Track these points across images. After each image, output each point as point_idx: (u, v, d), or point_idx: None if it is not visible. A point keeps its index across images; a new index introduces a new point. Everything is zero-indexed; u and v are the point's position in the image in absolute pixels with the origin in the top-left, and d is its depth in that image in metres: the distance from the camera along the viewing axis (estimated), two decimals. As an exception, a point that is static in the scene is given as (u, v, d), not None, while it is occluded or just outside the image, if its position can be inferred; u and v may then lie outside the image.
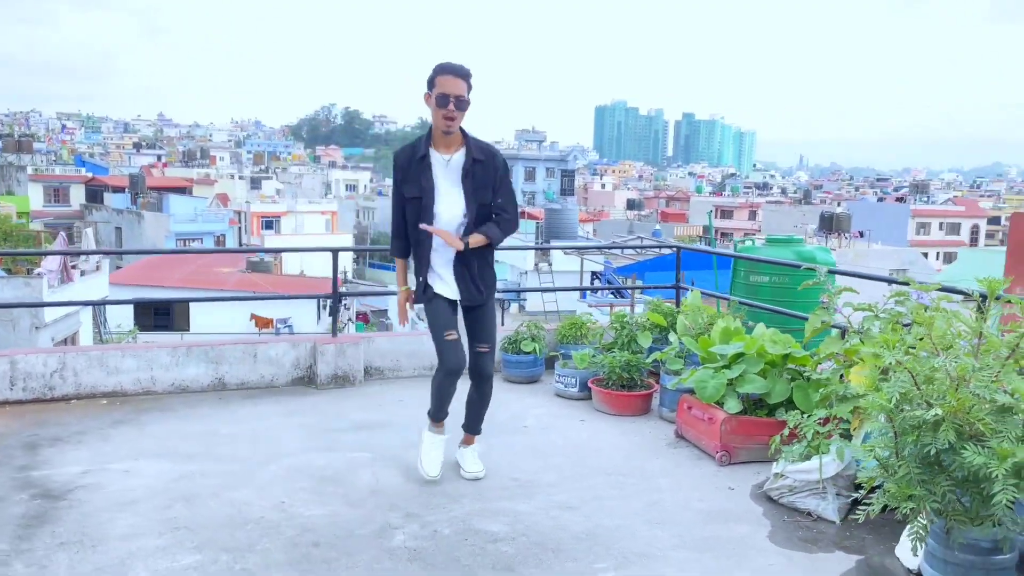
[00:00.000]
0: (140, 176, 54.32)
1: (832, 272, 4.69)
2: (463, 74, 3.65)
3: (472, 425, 4.07)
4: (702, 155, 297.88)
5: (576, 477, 4.03)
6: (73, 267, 21.28)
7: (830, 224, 38.53)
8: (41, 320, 19.09)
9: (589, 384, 5.20)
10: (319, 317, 31.05)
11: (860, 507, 2.96)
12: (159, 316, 29.66)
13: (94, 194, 53.05)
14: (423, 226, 3.73)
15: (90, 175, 56.96)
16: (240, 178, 70.18)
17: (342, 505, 3.61)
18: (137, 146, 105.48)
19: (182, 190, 56.77)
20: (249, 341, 5.43)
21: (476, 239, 3.76)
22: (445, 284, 3.83)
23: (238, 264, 33.55)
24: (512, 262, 32.71)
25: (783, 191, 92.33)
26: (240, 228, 55.02)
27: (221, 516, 3.46)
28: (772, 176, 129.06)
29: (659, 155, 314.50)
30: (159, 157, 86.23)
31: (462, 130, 3.75)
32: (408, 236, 3.86)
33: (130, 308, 28.14)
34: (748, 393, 4.28)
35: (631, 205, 75.45)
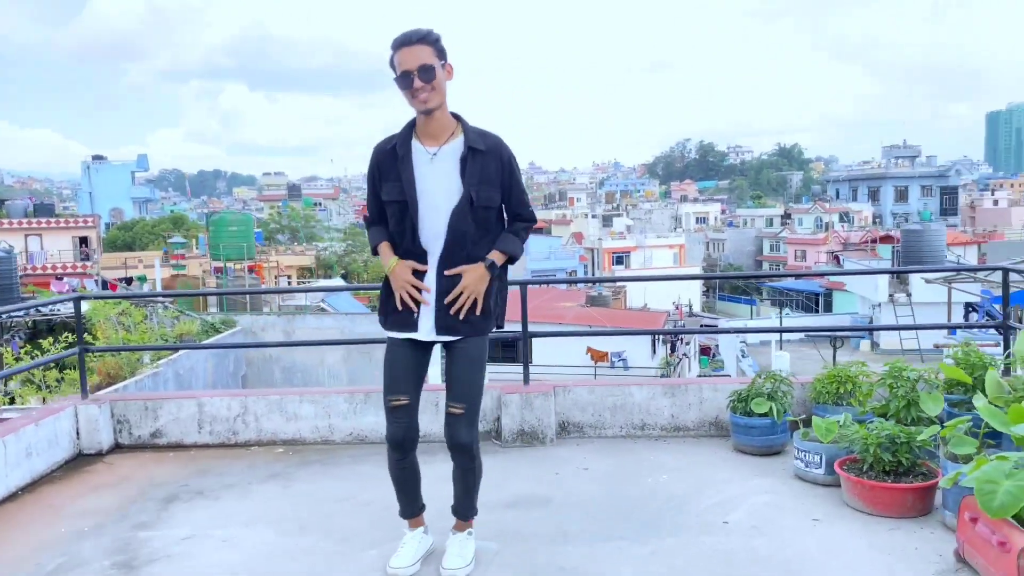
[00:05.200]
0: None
1: None
2: (420, 38, 2.80)
3: (457, 507, 3.08)
4: None
5: (764, 617, 2.69)
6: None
7: None
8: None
9: (836, 467, 3.69)
10: (654, 351, 30.37)
11: None
12: (505, 349, 31.26)
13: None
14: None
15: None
16: (593, 217, 72.72)
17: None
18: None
19: (539, 230, 60.33)
20: (432, 388, 4.78)
21: (497, 256, 2.93)
22: (412, 317, 2.90)
23: (579, 299, 34.27)
24: (863, 293, 28.93)
25: None
26: (591, 264, 57.27)
27: (266, 618, 2.78)
28: None
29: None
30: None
31: (458, 117, 2.94)
32: (386, 223, 3.00)
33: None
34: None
35: (1034, 222, 63.27)
